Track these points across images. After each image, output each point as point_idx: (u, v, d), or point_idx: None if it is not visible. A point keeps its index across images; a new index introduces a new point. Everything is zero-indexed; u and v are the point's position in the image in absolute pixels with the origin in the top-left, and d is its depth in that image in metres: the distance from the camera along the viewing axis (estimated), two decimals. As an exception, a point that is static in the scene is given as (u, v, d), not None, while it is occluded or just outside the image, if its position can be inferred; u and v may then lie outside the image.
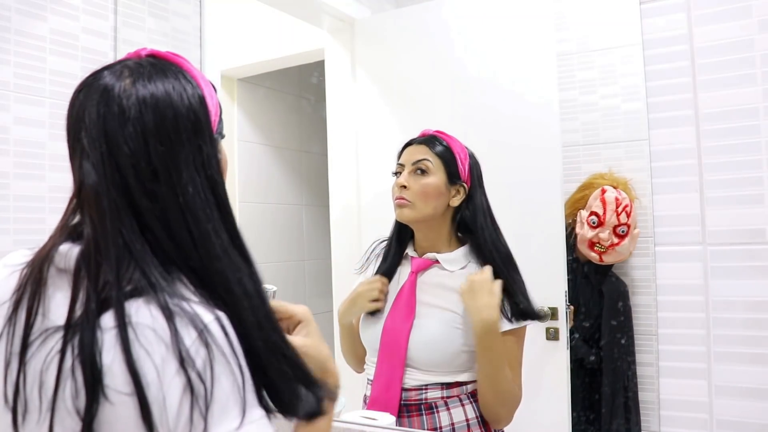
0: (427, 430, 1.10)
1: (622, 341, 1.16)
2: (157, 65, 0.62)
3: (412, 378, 1.12)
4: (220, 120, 0.68)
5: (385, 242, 1.25)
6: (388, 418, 1.11)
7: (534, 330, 1.16)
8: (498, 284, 1.07)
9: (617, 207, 1.16)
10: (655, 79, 0.99)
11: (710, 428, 0.93)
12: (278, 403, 0.59)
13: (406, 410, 1.11)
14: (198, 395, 0.52)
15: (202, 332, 0.54)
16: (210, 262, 0.59)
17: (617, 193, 1.16)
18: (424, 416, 1.11)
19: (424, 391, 1.11)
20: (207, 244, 0.59)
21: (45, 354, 0.56)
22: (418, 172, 1.15)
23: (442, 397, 1.11)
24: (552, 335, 1.21)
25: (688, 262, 0.96)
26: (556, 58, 1.25)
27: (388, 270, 1.20)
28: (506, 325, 1.08)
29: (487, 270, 1.08)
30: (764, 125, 0.91)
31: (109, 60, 1.38)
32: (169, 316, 0.54)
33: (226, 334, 0.55)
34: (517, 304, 1.08)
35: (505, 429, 1.16)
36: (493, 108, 1.35)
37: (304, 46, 1.77)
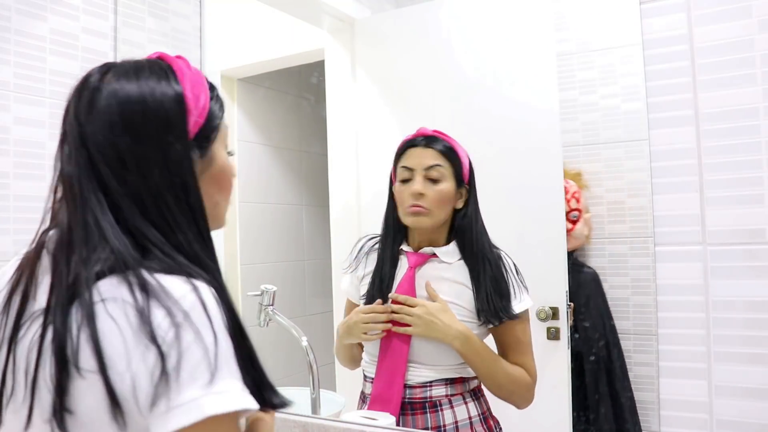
0: (431, 428, 1.10)
1: (606, 327, 1.19)
2: (145, 64, 0.65)
3: (416, 374, 1.12)
4: (208, 124, 0.66)
5: (374, 240, 1.24)
6: (388, 418, 1.11)
7: (535, 330, 1.16)
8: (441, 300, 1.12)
9: (566, 194, 1.21)
10: (655, 79, 0.99)
11: (710, 428, 0.93)
12: (255, 388, 0.60)
13: (410, 408, 1.12)
14: (168, 369, 0.53)
15: (175, 304, 0.55)
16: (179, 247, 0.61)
17: (565, 182, 1.21)
18: (428, 414, 1.11)
19: (428, 389, 1.11)
20: (175, 233, 0.61)
21: (30, 336, 0.58)
22: (431, 179, 1.13)
23: (447, 395, 1.11)
24: (552, 335, 1.21)
25: (688, 262, 0.96)
26: (556, 58, 1.25)
27: (386, 269, 1.19)
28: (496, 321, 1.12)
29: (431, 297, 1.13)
30: (764, 125, 0.91)
31: (110, 60, 1.39)
32: (139, 290, 0.55)
33: (203, 303, 0.56)
34: (493, 304, 1.11)
35: (504, 429, 1.17)
36: (493, 108, 1.35)
37: (304, 46, 1.77)
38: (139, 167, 0.61)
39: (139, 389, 0.53)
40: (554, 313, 1.21)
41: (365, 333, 1.15)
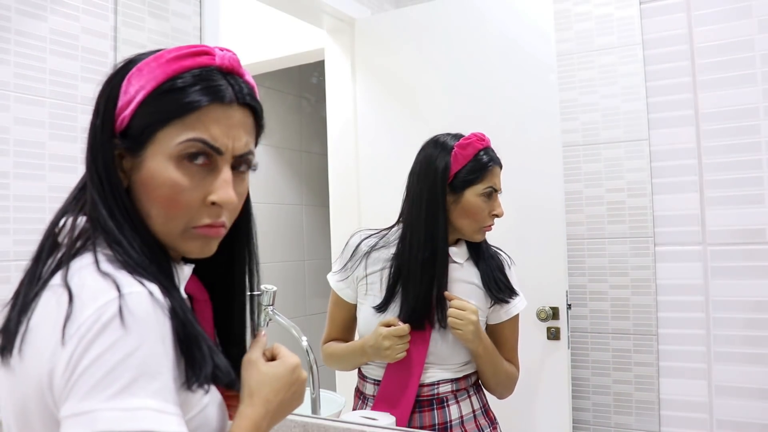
0: (438, 424, 1.12)
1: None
2: (124, 63, 0.67)
3: (427, 375, 1.14)
4: (133, 123, 0.63)
5: (371, 238, 1.22)
6: (388, 418, 1.11)
7: (535, 330, 1.16)
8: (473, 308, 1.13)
9: None
10: (655, 79, 0.99)
11: (710, 428, 0.93)
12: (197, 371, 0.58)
13: (418, 406, 1.13)
14: (74, 369, 0.51)
15: (101, 307, 0.52)
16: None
17: None
18: (436, 411, 1.13)
19: (436, 387, 1.13)
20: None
21: None
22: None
23: (452, 391, 1.13)
24: (553, 335, 1.21)
25: (688, 262, 0.96)
26: (556, 58, 1.25)
27: (438, 273, 1.16)
28: (495, 318, 1.15)
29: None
30: (764, 125, 0.91)
31: (109, 60, 1.39)
32: (74, 285, 0.55)
33: (127, 311, 0.52)
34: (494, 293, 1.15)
35: (505, 427, 1.18)
36: (493, 108, 1.35)
37: (304, 46, 1.77)
38: (86, 160, 0.65)
39: (56, 384, 0.52)
40: (554, 313, 1.21)
41: (398, 354, 1.12)
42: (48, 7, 1.30)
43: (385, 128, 1.51)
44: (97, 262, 0.57)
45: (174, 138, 0.61)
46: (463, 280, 1.15)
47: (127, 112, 0.62)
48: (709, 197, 0.95)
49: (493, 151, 1.16)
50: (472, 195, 1.13)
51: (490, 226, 1.16)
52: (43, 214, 1.27)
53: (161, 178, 0.61)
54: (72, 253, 0.59)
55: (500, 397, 1.19)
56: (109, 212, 0.61)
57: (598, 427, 1.19)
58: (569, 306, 1.20)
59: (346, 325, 1.25)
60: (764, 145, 0.91)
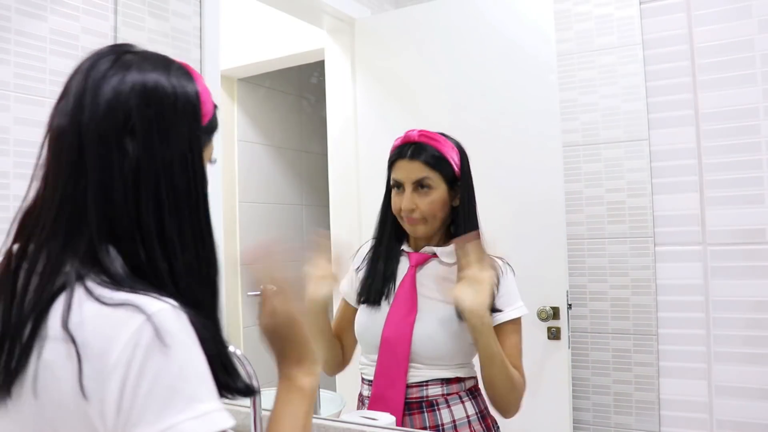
0: (429, 427, 1.10)
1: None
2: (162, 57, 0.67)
3: (414, 374, 1.12)
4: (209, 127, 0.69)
5: (371, 241, 1.23)
6: (388, 418, 1.11)
7: (535, 330, 1.16)
8: (489, 275, 1.06)
9: None
10: (655, 79, 0.99)
11: (710, 428, 0.93)
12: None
13: (407, 408, 1.12)
14: (134, 397, 0.51)
15: (135, 333, 0.52)
16: None
17: None
18: (426, 414, 1.11)
19: (425, 388, 1.11)
20: None
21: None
22: (421, 188, 1.13)
23: (443, 395, 1.11)
24: (553, 334, 1.21)
25: (688, 262, 0.96)
26: (556, 58, 1.25)
27: (389, 266, 1.19)
28: (498, 318, 1.10)
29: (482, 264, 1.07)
30: (764, 125, 0.91)
31: (109, 60, 1.39)
32: (85, 331, 0.53)
33: (163, 331, 0.53)
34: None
35: (504, 427, 1.17)
36: (493, 108, 1.35)
37: (304, 46, 1.77)
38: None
39: (107, 418, 0.52)
40: (555, 313, 1.21)
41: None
42: (48, 7, 1.30)
43: (385, 128, 1.51)
44: (90, 292, 0.56)
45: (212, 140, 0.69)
46: (452, 280, 1.12)
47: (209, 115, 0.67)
48: (709, 197, 0.95)
49: (409, 145, 1.15)
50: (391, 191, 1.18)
51: (408, 219, 1.15)
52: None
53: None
54: (52, 294, 0.56)
55: (506, 410, 1.11)
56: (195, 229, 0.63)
57: (598, 427, 1.19)
58: (569, 306, 1.20)
59: (340, 324, 1.27)
60: (764, 145, 0.91)
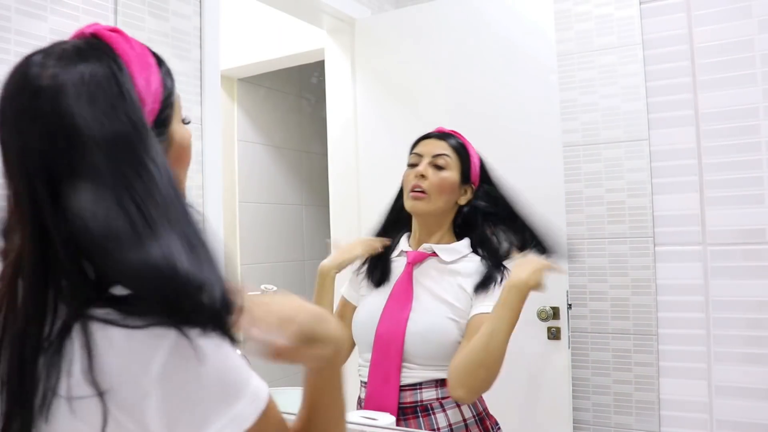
0: (427, 430, 1.10)
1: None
2: (85, 52, 0.61)
3: (408, 375, 1.11)
4: (163, 107, 0.61)
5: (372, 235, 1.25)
6: (388, 418, 1.11)
7: (535, 329, 1.16)
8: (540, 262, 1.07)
9: None
10: (655, 79, 0.99)
11: (710, 428, 0.93)
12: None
13: (401, 413, 1.11)
14: (189, 398, 0.51)
15: (172, 349, 0.51)
16: None
17: None
18: (421, 418, 1.10)
19: (419, 391, 1.11)
20: None
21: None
22: (436, 166, 1.17)
23: (438, 398, 1.10)
24: (553, 334, 1.21)
25: (688, 262, 0.96)
26: (556, 58, 1.25)
27: (385, 269, 1.20)
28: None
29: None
30: (764, 125, 0.91)
31: (109, 60, 1.39)
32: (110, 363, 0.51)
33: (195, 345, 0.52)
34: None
35: (504, 427, 1.17)
36: (493, 108, 1.35)
37: (304, 46, 1.77)
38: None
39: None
40: (554, 313, 1.21)
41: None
42: (48, 7, 1.30)
43: (385, 128, 1.51)
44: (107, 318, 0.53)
45: (177, 99, 0.65)
46: (449, 279, 1.14)
47: (156, 103, 0.60)
48: (709, 197, 0.95)
49: (437, 132, 1.20)
50: None
51: (413, 190, 1.17)
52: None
53: (185, 137, 0.64)
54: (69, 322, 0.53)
55: (452, 387, 1.07)
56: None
57: (598, 427, 1.19)
58: (569, 306, 1.20)
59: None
60: (764, 145, 0.91)
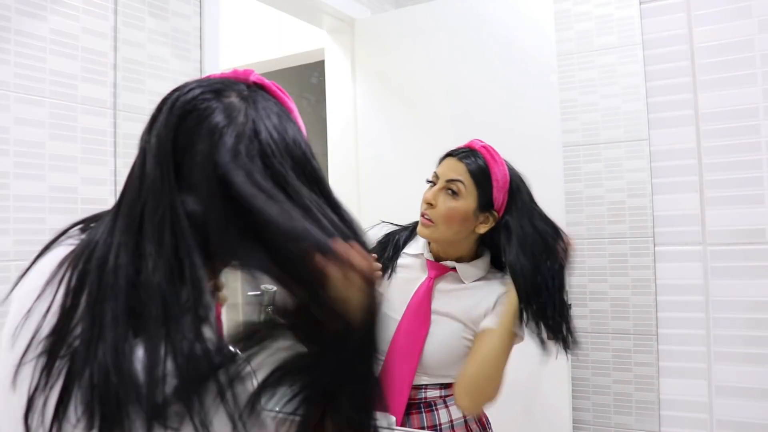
0: (427, 428, 1.10)
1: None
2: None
3: (415, 380, 1.12)
4: None
5: (394, 233, 1.23)
6: (388, 418, 1.11)
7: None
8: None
9: None
10: (655, 79, 0.99)
11: (710, 428, 0.93)
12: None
13: (406, 409, 1.12)
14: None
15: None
16: None
17: None
18: (424, 414, 1.11)
19: (424, 390, 1.12)
20: None
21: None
22: (449, 191, 1.10)
23: (441, 396, 1.11)
24: (552, 335, 1.21)
25: (688, 262, 0.96)
26: (556, 58, 1.25)
27: (395, 269, 1.18)
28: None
29: None
30: (764, 125, 0.91)
31: (109, 60, 1.39)
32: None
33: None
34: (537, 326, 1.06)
35: (504, 427, 1.17)
36: (493, 108, 1.35)
37: (304, 46, 1.77)
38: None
39: None
40: (554, 313, 1.20)
41: None
42: (48, 7, 1.30)
43: (385, 128, 1.51)
44: None
45: None
46: (465, 299, 1.13)
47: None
48: (709, 197, 0.95)
49: (465, 149, 1.13)
50: None
51: (423, 216, 1.13)
52: (43, 214, 1.27)
53: None
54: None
55: (460, 398, 1.10)
56: None
57: (598, 427, 1.19)
58: (569, 306, 1.20)
59: None
60: (764, 145, 0.91)
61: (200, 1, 1.51)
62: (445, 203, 1.10)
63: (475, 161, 1.10)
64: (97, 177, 1.37)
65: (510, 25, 1.35)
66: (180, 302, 0.53)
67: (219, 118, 0.61)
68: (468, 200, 1.10)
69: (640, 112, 1.03)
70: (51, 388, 0.53)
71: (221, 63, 1.56)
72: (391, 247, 1.20)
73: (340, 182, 1.60)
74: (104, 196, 1.37)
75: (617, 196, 1.18)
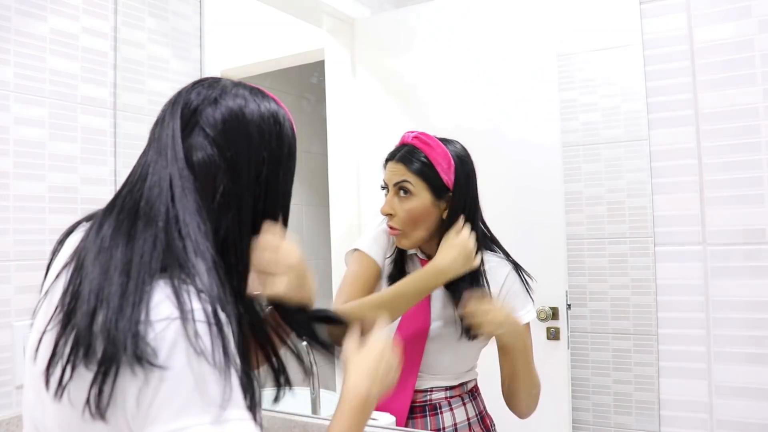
0: (431, 430, 1.10)
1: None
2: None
3: (419, 384, 1.12)
4: None
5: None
6: (388, 418, 1.11)
7: (534, 329, 1.16)
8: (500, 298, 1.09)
9: None
10: (655, 79, 0.99)
11: (710, 428, 0.93)
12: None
13: (411, 412, 1.12)
14: (150, 386, 0.53)
15: (174, 320, 0.55)
16: None
17: None
18: (428, 417, 1.11)
19: (429, 393, 1.12)
20: None
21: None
22: (401, 193, 1.10)
23: (446, 398, 1.11)
24: (552, 335, 1.21)
25: (688, 262, 0.96)
26: (556, 58, 1.25)
27: (400, 273, 1.16)
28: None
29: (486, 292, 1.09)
30: (764, 125, 0.91)
31: (109, 60, 1.39)
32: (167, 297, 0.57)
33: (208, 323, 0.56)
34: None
35: (505, 427, 1.17)
36: (493, 108, 1.35)
37: (304, 46, 1.77)
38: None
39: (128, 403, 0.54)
40: (554, 313, 1.21)
41: None
42: (48, 7, 1.30)
43: (385, 128, 1.51)
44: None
45: None
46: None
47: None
48: (709, 197, 0.95)
49: (401, 147, 1.12)
50: None
51: (389, 227, 1.11)
52: (43, 214, 1.27)
53: None
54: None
55: (526, 411, 1.11)
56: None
57: (598, 427, 1.19)
58: (569, 306, 1.20)
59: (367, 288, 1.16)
60: (764, 145, 0.91)
61: (200, 1, 1.52)
62: (402, 207, 1.10)
63: (412, 156, 1.10)
64: (97, 177, 1.37)
65: (510, 25, 1.35)
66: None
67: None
68: (421, 196, 1.09)
69: (640, 112, 1.03)
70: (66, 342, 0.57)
71: (221, 63, 1.56)
72: (397, 253, 1.19)
73: (340, 182, 1.60)
74: (104, 196, 1.37)
75: (617, 196, 1.19)
